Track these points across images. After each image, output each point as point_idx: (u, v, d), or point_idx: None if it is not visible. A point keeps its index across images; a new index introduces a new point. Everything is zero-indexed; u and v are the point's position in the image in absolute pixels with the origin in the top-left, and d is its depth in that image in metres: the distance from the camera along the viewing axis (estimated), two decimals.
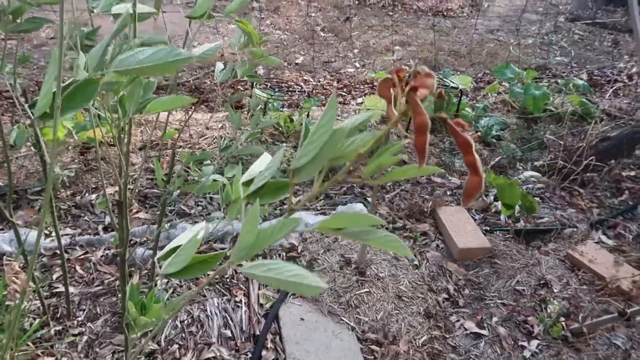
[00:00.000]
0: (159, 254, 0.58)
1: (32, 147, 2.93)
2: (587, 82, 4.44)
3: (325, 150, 0.44)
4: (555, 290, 2.27)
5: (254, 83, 3.55)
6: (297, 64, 5.21)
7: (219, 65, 1.30)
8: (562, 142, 3.29)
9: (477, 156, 0.47)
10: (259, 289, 2.10)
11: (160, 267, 0.56)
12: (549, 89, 4.10)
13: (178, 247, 0.56)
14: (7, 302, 1.79)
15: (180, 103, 0.77)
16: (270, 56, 1.22)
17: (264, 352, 1.83)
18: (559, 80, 4.48)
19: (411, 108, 0.45)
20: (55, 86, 0.53)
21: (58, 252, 2.20)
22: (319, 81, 4.78)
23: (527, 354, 1.96)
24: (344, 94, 4.53)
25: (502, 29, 7.42)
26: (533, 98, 3.80)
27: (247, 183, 0.59)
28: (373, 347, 1.92)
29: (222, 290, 2.08)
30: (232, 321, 1.94)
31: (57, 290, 1.99)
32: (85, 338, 1.80)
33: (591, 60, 6.12)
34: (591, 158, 3.06)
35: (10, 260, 1.89)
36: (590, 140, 3.22)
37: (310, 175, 0.47)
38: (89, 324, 1.86)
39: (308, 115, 3.42)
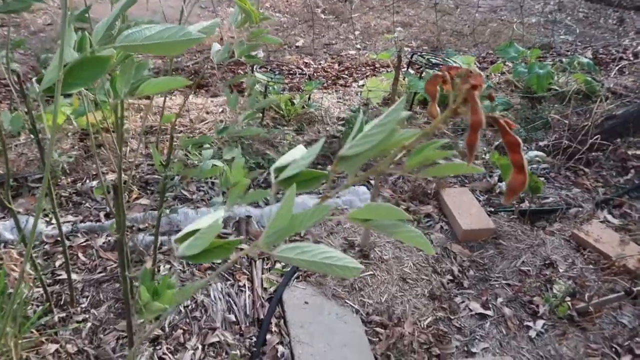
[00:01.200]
0: (176, 236, 0.56)
1: (30, 134, 2.91)
2: (592, 61, 4.37)
3: (380, 144, 0.43)
4: (560, 270, 2.26)
5: (254, 66, 3.50)
6: (297, 46, 5.14)
7: (216, 46, 1.27)
8: (566, 122, 3.25)
9: (523, 155, 0.46)
10: (262, 273, 2.09)
11: (177, 249, 0.54)
12: (553, 67, 4.04)
13: (195, 231, 0.54)
14: (9, 290, 1.78)
15: (175, 85, 0.74)
16: (269, 35, 1.18)
17: (268, 336, 1.83)
18: (564, 59, 4.41)
19: (470, 106, 0.44)
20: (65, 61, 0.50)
21: (59, 239, 2.19)
22: (320, 64, 4.72)
23: (532, 333, 1.96)
24: (345, 76, 4.47)
25: (506, 7, 7.31)
26: (537, 77, 3.74)
27: (281, 169, 0.57)
28: (378, 329, 1.91)
29: (226, 275, 2.07)
30: (236, 306, 1.93)
31: (60, 277, 1.98)
32: (89, 324, 1.80)
33: (596, 38, 6.03)
34: (596, 137, 3.02)
35: (10, 248, 1.88)
36: (596, 119, 3.18)
37: (357, 165, 0.45)
38: (92, 311, 1.85)
39: (309, 98, 3.38)
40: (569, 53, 5.18)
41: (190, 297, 1.93)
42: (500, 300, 2.11)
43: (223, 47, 1.16)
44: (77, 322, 1.80)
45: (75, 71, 0.55)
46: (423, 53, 4.04)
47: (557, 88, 3.87)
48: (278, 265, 2.16)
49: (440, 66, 3.47)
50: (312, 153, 0.54)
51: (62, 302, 1.87)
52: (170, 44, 0.52)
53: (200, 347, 1.76)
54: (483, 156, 3.12)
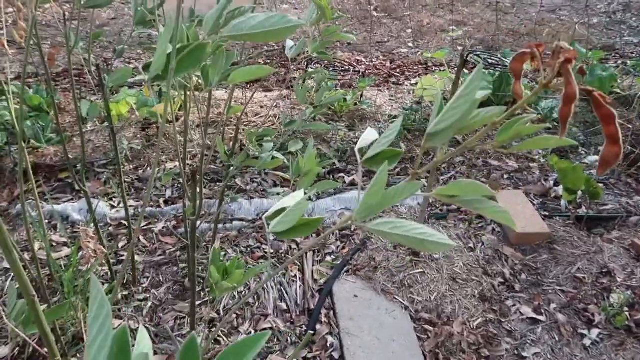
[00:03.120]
0: (266, 214, 0.60)
1: (97, 123, 3.07)
2: None
3: (464, 117, 0.45)
4: (618, 280, 2.18)
5: (308, 62, 3.56)
6: (349, 44, 5.17)
7: (289, 42, 1.31)
8: (630, 127, 3.12)
9: (618, 127, 0.47)
10: (312, 265, 2.13)
11: (268, 226, 0.58)
12: (617, 70, 3.88)
13: (282, 209, 0.58)
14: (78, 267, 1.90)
15: (262, 73, 0.79)
16: (343, 32, 1.22)
17: (318, 326, 1.87)
18: (628, 62, 4.23)
19: (564, 79, 0.45)
20: (169, 49, 0.55)
21: (122, 222, 2.31)
22: (372, 61, 4.72)
23: (587, 342, 1.91)
24: (397, 74, 4.46)
25: (565, 7, 7.05)
26: (599, 80, 3.60)
27: (361, 151, 0.61)
28: (426, 326, 1.92)
29: (278, 265, 2.12)
30: (287, 295, 1.98)
31: (123, 257, 2.09)
32: (149, 304, 1.89)
33: None
34: None
35: (84, 228, 2.00)
36: None
37: (444, 140, 0.48)
38: (152, 291, 1.95)
39: (362, 95, 3.40)
40: (634, 55, 4.95)
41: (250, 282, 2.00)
42: (553, 306, 2.06)
43: (298, 43, 1.20)
44: (139, 300, 1.90)
45: (183, 59, 0.60)
46: (478, 52, 3.98)
47: (620, 92, 3.72)
48: (328, 258, 2.19)
49: (533, 45, 3.41)
50: (393, 131, 0.57)
51: (125, 282, 1.98)
52: (275, 31, 0.56)
53: (252, 332, 1.82)
54: (540, 159, 3.04)
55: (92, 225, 1.86)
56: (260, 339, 0.43)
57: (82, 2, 1.44)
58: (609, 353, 1.86)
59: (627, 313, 1.98)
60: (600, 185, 2.64)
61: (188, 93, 1.48)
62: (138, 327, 1.80)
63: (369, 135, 0.63)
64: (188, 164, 2.71)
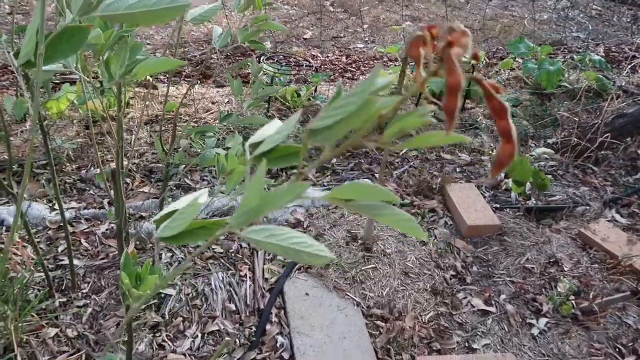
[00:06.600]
0: (155, 217, 0.54)
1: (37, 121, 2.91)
2: (604, 58, 4.30)
3: (355, 115, 0.40)
4: (566, 269, 2.23)
5: (261, 57, 3.49)
6: (305, 39, 5.11)
7: (218, 30, 1.25)
8: (576, 119, 3.20)
9: (511, 122, 0.42)
10: (264, 264, 2.08)
11: (156, 230, 0.52)
12: (564, 65, 3.99)
13: (174, 211, 0.52)
14: (11, 274, 1.79)
15: (169, 65, 0.73)
16: (273, 22, 1.17)
17: (268, 327, 1.82)
18: (575, 56, 4.35)
19: (445, 66, 0.39)
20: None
21: (62, 225, 2.19)
22: (328, 57, 4.69)
23: (535, 331, 1.93)
24: (353, 69, 4.44)
25: (517, 3, 7.22)
26: (547, 74, 3.69)
27: (256, 146, 0.54)
28: (378, 322, 1.90)
29: (227, 264, 2.06)
30: (236, 295, 1.92)
31: (62, 262, 1.98)
32: (90, 310, 1.80)
33: (609, 36, 5.94)
34: (606, 135, 2.97)
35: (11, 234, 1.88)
36: (606, 117, 3.13)
37: (330, 139, 0.41)
38: (93, 297, 1.85)
39: (316, 90, 3.36)
40: (581, 50, 5.11)
41: (178, 283, 1.93)
42: (503, 297, 2.09)
43: (225, 32, 1.14)
44: (78, 307, 1.80)
45: (55, 43, 0.53)
46: None
47: (567, 85, 3.82)
48: (280, 257, 2.15)
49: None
50: (288, 126, 0.52)
51: (63, 288, 1.87)
52: (157, 12, 0.50)
53: (200, 335, 1.76)
54: (490, 152, 3.08)
55: (22, 230, 1.74)
56: None
57: None
58: (556, 342, 1.89)
59: (573, 301, 2.02)
60: (549, 176, 2.69)
61: (131, 90, 1.40)
62: (77, 335, 1.71)
63: (270, 128, 0.57)
64: (134, 163, 2.61)
